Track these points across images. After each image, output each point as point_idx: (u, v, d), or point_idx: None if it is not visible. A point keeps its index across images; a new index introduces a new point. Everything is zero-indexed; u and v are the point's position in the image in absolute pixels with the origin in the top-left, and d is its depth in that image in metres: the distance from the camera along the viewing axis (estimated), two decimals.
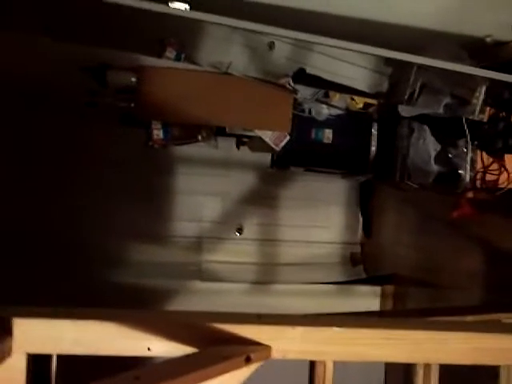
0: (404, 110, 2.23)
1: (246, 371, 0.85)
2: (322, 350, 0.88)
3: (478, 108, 2.10)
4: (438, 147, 2.17)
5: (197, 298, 2.81)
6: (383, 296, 2.98)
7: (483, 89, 2.09)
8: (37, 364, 1.02)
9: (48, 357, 1.11)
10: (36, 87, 2.42)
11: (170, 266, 2.93)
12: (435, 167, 2.18)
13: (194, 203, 3.03)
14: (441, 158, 2.18)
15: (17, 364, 0.92)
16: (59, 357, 1.02)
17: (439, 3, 1.89)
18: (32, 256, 2.58)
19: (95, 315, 0.91)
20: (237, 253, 3.06)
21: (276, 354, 0.89)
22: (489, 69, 1.60)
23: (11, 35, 2.06)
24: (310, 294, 2.94)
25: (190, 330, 0.89)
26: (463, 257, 2.35)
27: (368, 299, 2.96)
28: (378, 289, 2.98)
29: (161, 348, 0.90)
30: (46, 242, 2.66)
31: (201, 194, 3.03)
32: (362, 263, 3.20)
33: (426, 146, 2.16)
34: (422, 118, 2.24)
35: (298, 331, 0.88)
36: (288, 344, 0.88)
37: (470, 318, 1.25)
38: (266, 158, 2.76)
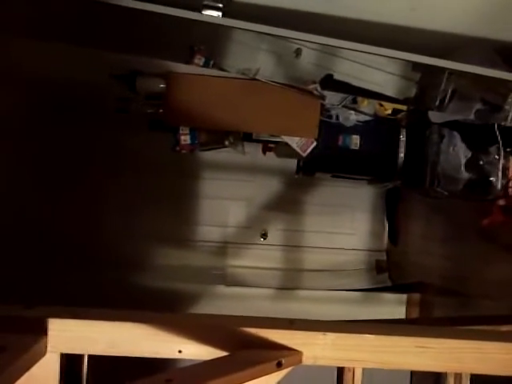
0: (434, 116, 2.20)
1: (276, 376, 0.85)
2: (354, 357, 0.87)
3: (510, 114, 2.06)
4: (469, 154, 2.14)
5: (221, 303, 2.82)
6: (409, 304, 2.93)
7: None
8: (69, 363, 1.04)
9: (80, 357, 1.13)
10: (67, 94, 2.48)
11: (195, 270, 2.94)
12: (466, 174, 2.15)
13: (220, 208, 3.05)
14: (472, 164, 2.14)
15: (51, 363, 0.93)
16: (91, 357, 1.04)
17: (472, 8, 1.86)
18: (59, 259, 2.62)
19: (128, 317, 0.91)
20: (261, 258, 3.06)
21: (307, 359, 0.88)
22: None
23: (43, 44, 2.11)
24: (334, 301, 2.91)
25: (221, 333, 0.89)
26: (493, 265, 2.29)
27: (393, 307, 2.92)
28: (403, 297, 2.94)
29: (192, 351, 0.89)
30: (73, 246, 2.70)
31: (226, 199, 3.04)
32: (387, 271, 3.16)
33: (457, 153, 2.13)
34: (453, 125, 2.21)
35: (330, 337, 0.87)
36: (319, 350, 0.87)
37: (505, 328, 1.21)
38: (292, 163, 2.76)
